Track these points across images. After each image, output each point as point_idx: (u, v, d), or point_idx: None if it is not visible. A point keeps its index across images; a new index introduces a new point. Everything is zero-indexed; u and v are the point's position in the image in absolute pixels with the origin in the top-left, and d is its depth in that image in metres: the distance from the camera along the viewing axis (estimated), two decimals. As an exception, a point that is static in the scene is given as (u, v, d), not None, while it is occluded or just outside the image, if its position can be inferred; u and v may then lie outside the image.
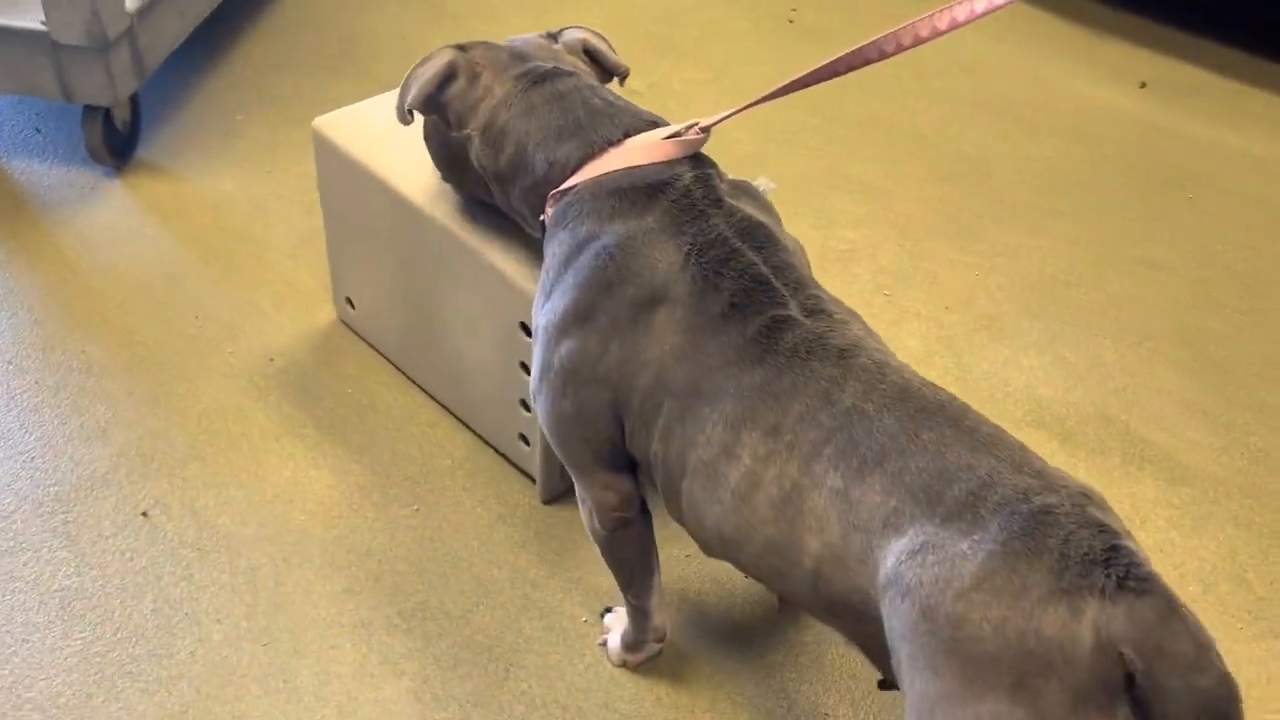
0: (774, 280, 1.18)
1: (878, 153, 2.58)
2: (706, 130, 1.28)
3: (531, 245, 1.54)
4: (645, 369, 1.19)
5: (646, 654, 1.49)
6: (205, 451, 1.76)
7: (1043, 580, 0.91)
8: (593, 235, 1.23)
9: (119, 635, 1.51)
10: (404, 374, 1.90)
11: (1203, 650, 0.88)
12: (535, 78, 1.35)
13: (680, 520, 1.22)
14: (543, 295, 1.29)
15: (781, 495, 1.08)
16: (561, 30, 1.49)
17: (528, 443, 1.67)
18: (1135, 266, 2.32)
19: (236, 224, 2.21)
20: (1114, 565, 0.91)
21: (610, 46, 1.50)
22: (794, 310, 1.16)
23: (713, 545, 1.19)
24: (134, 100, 2.31)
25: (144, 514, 1.66)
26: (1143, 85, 2.93)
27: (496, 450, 1.77)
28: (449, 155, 1.48)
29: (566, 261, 1.25)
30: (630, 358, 1.19)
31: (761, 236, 1.22)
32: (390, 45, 2.80)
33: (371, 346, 1.95)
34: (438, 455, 1.78)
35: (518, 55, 1.40)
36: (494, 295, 1.56)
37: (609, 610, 1.55)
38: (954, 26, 1.10)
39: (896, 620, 0.97)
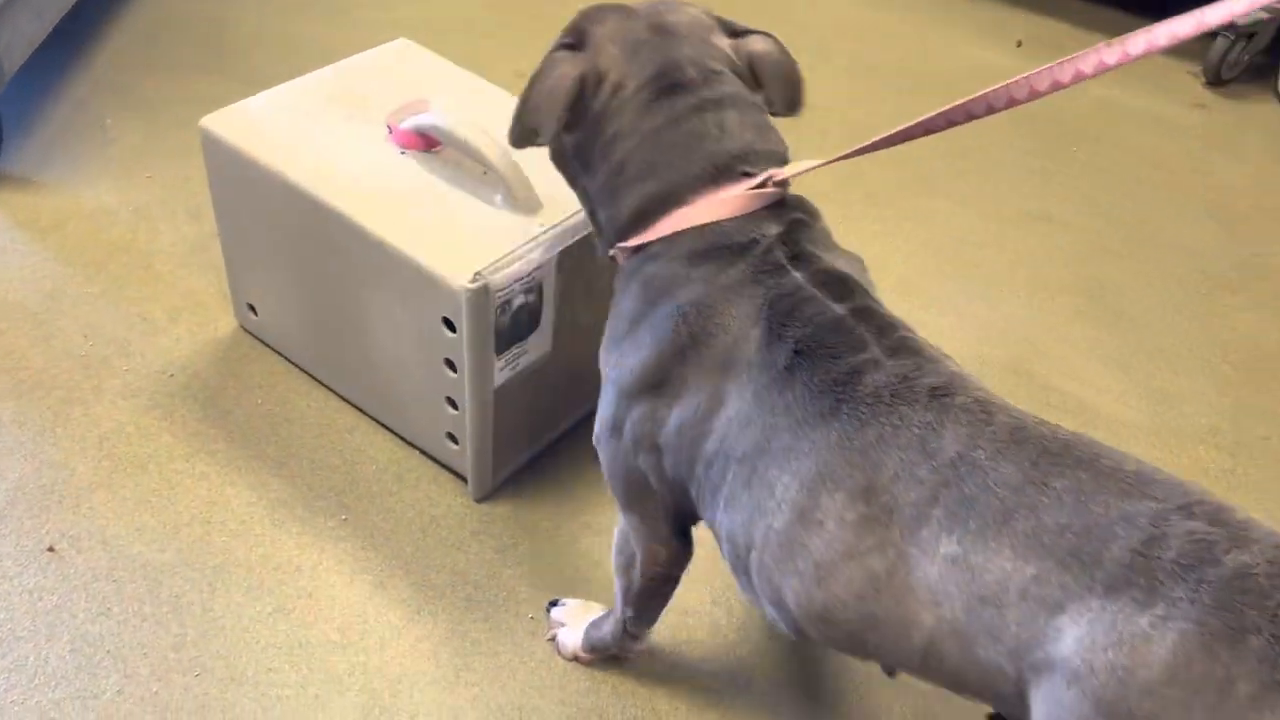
0: (852, 323, 1.04)
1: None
2: (782, 184, 1.15)
3: (458, 235, 1.48)
4: (710, 436, 1.08)
5: (602, 656, 1.46)
6: (111, 478, 1.66)
7: (1254, 672, 0.76)
8: (666, 293, 1.12)
9: (35, 681, 1.41)
10: (316, 379, 1.82)
11: None
12: (664, 87, 1.15)
13: (753, 600, 1.11)
14: (612, 343, 1.19)
15: (885, 566, 0.94)
16: (748, 32, 1.25)
17: (456, 441, 1.62)
18: (1034, 222, 2.38)
19: (118, 235, 2.09)
20: None
21: (796, 72, 1.27)
22: (875, 353, 1.01)
23: (798, 624, 1.05)
24: (-8, 109, 2.17)
25: (50, 549, 1.55)
26: (1019, 44, 3.01)
27: (423, 451, 1.72)
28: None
29: (639, 318, 1.14)
30: (695, 423, 1.09)
31: (847, 285, 1.09)
32: (253, 38, 2.68)
33: (278, 353, 1.86)
34: (360, 461, 1.72)
35: (666, 33, 1.17)
36: (413, 291, 1.50)
37: (555, 603, 1.52)
38: (1079, 79, 0.98)
39: (1058, 709, 0.84)
